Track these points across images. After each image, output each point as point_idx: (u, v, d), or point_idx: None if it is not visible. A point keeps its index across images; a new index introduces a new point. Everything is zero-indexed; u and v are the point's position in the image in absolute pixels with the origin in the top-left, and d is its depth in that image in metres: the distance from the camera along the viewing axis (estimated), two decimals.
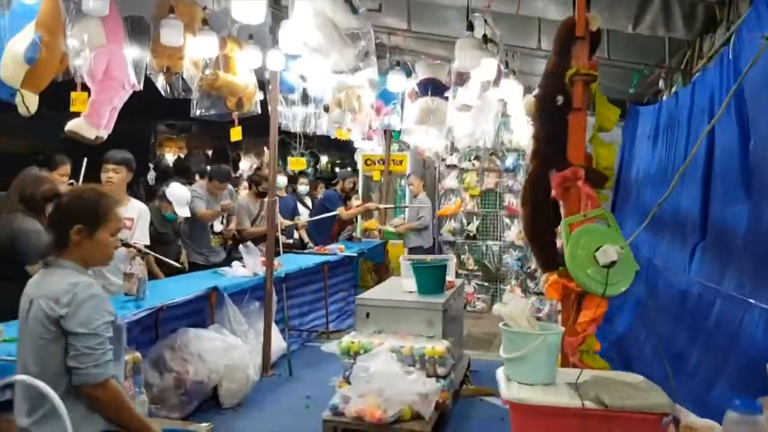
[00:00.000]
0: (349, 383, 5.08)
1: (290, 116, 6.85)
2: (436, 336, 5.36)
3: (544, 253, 2.13)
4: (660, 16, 4.60)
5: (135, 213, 5.14)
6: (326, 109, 6.28)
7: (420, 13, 5.79)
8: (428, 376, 4.97)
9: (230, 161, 17.55)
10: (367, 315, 5.54)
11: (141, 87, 4.24)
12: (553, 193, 2.15)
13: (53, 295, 2.49)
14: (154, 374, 4.91)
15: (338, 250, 8.33)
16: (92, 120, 3.83)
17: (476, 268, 10.00)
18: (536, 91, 2.14)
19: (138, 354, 4.51)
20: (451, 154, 10.12)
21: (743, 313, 2.53)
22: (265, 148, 20.69)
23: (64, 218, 2.64)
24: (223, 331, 5.33)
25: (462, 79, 5.10)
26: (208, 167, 8.19)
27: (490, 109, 6.70)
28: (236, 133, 5.40)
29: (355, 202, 9.76)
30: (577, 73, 2.08)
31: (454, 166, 10.17)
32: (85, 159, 5.17)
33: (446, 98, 5.88)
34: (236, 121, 5.35)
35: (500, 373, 2.04)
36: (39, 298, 2.52)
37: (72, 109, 3.84)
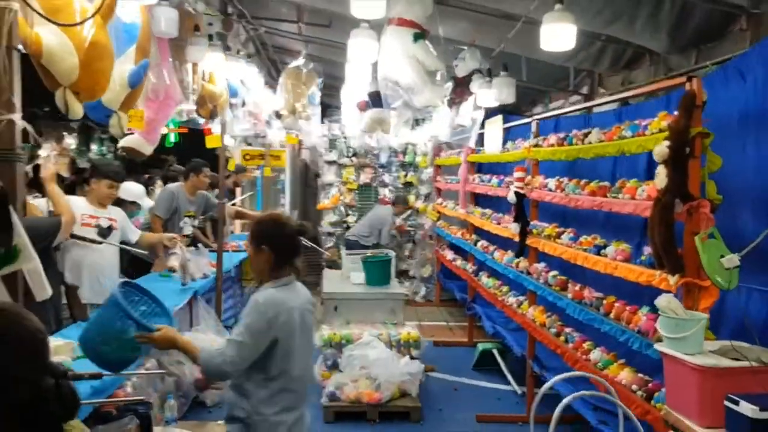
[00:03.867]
0: (333, 372, 5.56)
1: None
2: (399, 322, 6.05)
3: (675, 261, 2.96)
4: (593, 55, 5.67)
5: (117, 214, 5.14)
6: (278, 116, 6.52)
7: None
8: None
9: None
10: (335, 308, 6.04)
11: (188, 102, 4.31)
12: (677, 215, 2.99)
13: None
14: (154, 378, 4.97)
15: (244, 245, 8.49)
16: (151, 138, 3.88)
17: None
18: (668, 143, 2.95)
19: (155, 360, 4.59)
20: (330, 151, 10.66)
21: None
22: (65, 133, 19.22)
23: None
24: (208, 332, 5.48)
25: (456, 102, 5.74)
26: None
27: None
28: (215, 140, 5.52)
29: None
30: (699, 132, 2.93)
31: (333, 162, 10.73)
32: None
33: (394, 109, 6.48)
34: (215, 129, 5.48)
35: (664, 349, 2.82)
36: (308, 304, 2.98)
37: (128, 125, 3.85)
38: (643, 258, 3.35)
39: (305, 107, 6.18)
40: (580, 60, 5.76)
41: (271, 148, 10.46)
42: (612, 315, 3.71)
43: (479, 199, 7.78)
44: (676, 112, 3.11)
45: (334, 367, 5.60)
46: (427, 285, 10.46)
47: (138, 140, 3.91)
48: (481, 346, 6.76)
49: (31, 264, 2.33)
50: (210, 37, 4.86)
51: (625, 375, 3.58)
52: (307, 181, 13.10)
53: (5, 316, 1.53)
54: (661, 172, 2.99)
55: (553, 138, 4.77)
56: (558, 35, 3.18)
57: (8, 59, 2.28)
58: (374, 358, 5.27)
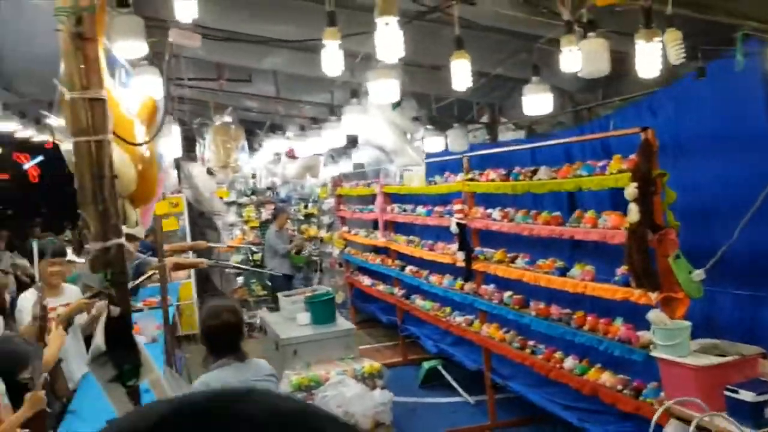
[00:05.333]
0: None
1: None
2: (356, 356, 6.37)
3: (653, 280, 3.58)
4: (502, 90, 6.34)
5: (73, 298, 5.02)
6: (210, 172, 6.56)
7: (287, 83, 6.59)
8: (372, 389, 5.95)
9: None
10: (295, 352, 6.24)
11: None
12: (649, 243, 3.62)
13: None
14: None
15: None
16: (146, 221, 3.92)
17: (265, 293, 10.78)
18: (635, 184, 3.57)
19: None
20: (230, 192, 10.70)
21: None
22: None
23: None
24: None
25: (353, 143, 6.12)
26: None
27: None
28: (164, 206, 5.54)
29: None
30: (659, 173, 3.59)
31: (233, 203, 10.76)
32: None
33: (320, 155, 6.77)
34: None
35: (661, 355, 3.43)
36: None
37: None
38: (617, 278, 3.97)
39: (236, 161, 6.35)
40: (484, 94, 6.36)
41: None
42: (586, 327, 4.31)
43: (397, 227, 8.27)
44: (632, 156, 3.76)
45: None
46: (341, 310, 10.75)
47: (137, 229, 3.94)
48: (426, 365, 7.21)
49: (153, 375, 2.47)
50: None
51: (606, 378, 4.18)
52: (195, 221, 12.95)
53: None
54: (633, 208, 3.61)
55: (492, 173, 5.34)
56: (538, 103, 3.72)
57: (111, 187, 2.41)
58: (350, 396, 5.55)
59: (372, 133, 4.05)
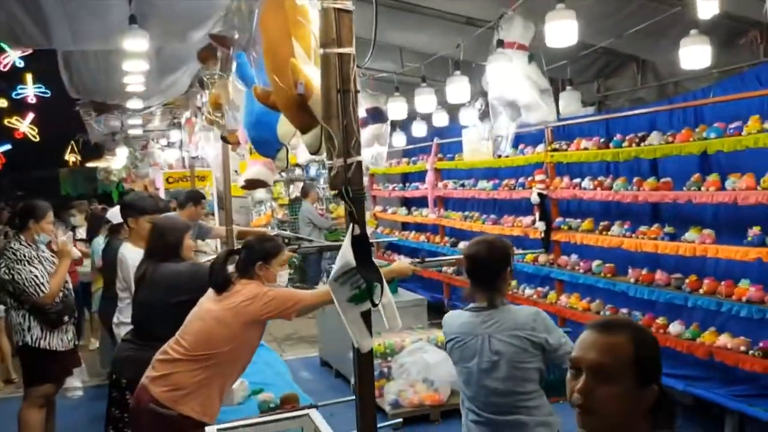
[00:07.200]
0: (380, 381, 5.71)
1: None
2: (424, 326, 6.34)
3: None
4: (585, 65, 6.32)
5: None
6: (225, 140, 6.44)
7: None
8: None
9: None
10: None
11: None
12: None
13: None
14: None
15: None
16: (272, 166, 3.84)
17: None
18: None
19: None
20: None
21: None
22: None
23: None
24: None
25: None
26: None
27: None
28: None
29: None
30: None
31: None
32: None
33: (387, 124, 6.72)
34: None
35: None
36: None
37: (251, 158, 3.81)
38: (749, 239, 3.99)
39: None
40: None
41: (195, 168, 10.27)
42: (702, 290, 4.32)
43: (447, 203, 8.25)
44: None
45: (382, 376, 5.76)
46: None
47: (263, 171, 3.85)
48: None
49: (386, 298, 2.42)
50: None
51: (725, 340, 4.20)
52: None
53: None
54: None
55: (585, 142, 5.35)
56: (696, 55, 3.69)
57: (354, 102, 2.35)
58: (434, 362, 5.52)
59: (505, 87, 4.01)
